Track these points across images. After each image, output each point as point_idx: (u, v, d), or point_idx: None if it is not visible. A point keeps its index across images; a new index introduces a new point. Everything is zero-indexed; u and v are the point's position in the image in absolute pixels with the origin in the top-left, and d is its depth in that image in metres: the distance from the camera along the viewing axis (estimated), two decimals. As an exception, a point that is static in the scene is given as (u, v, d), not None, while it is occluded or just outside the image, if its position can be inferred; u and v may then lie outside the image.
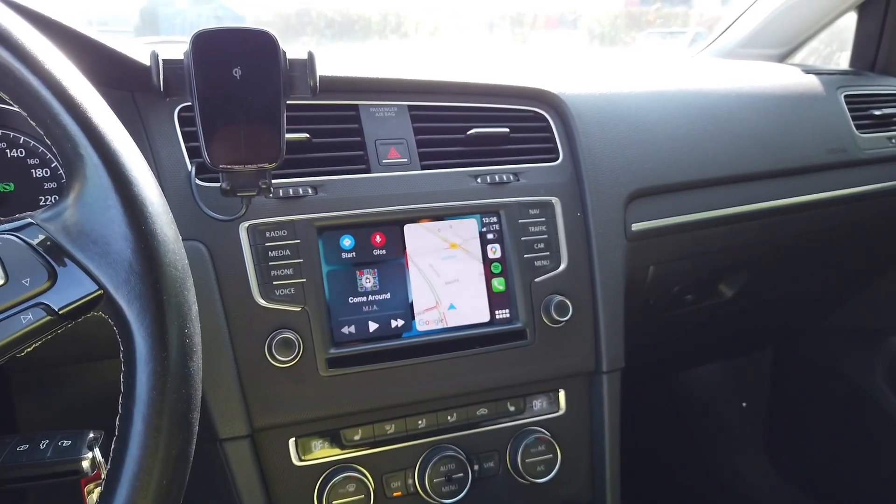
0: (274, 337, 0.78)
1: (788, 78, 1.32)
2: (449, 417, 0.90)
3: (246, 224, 0.79)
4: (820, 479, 1.80)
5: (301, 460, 0.84)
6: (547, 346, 0.91)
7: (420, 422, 0.89)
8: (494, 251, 0.90)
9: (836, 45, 1.78)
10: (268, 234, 0.80)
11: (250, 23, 0.96)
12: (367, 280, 0.84)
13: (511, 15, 2.33)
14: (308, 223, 0.82)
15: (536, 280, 0.91)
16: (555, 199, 0.94)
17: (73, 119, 0.49)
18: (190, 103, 0.67)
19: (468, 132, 0.93)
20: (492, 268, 0.90)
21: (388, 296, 0.85)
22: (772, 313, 1.64)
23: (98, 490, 0.67)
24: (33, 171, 0.79)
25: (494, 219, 0.91)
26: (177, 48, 0.68)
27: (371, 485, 0.85)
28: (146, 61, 0.76)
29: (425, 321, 0.86)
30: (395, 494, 0.88)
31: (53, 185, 0.79)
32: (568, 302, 0.90)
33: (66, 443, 0.62)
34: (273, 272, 0.80)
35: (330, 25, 2.09)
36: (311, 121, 0.87)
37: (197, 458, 0.51)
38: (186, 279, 0.52)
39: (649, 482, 1.94)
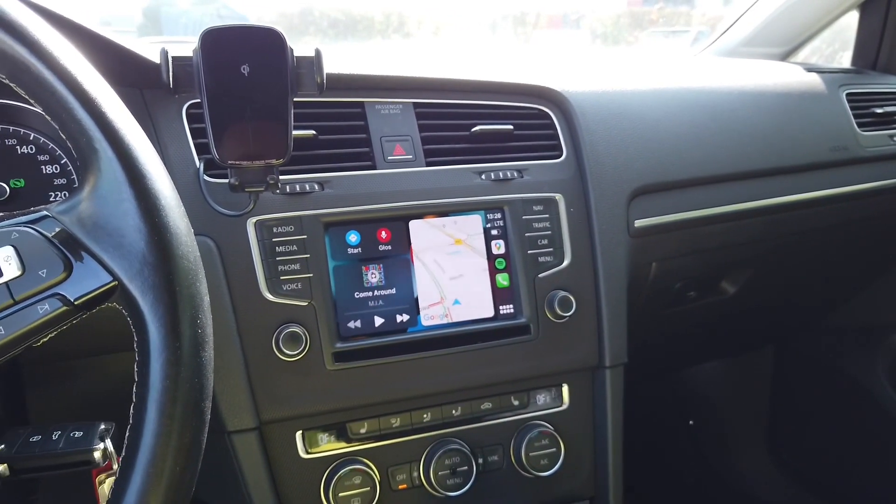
0: (281, 331, 0.79)
1: (790, 76, 1.32)
2: (454, 411, 0.91)
3: (253, 219, 0.80)
4: (821, 476, 1.80)
5: (308, 453, 0.85)
6: (550, 341, 0.92)
7: (425, 415, 0.90)
8: (499, 247, 0.91)
9: (839, 45, 1.78)
10: (275, 230, 0.81)
11: (254, 22, 0.97)
12: (373, 275, 0.85)
13: (514, 14, 2.33)
14: (314, 219, 0.83)
15: (540, 276, 0.92)
16: (558, 196, 0.95)
17: (88, 114, 0.50)
18: (198, 100, 0.68)
19: (472, 129, 0.94)
20: (496, 263, 0.91)
21: (393, 291, 0.86)
22: (774, 310, 1.64)
23: (109, 480, 0.68)
24: (43, 167, 0.80)
25: (499, 215, 0.91)
26: (183, 48, 0.69)
27: (377, 477, 0.86)
28: (155, 59, 0.77)
29: (430, 316, 0.87)
30: (400, 487, 0.89)
31: (63, 181, 0.80)
32: (571, 297, 0.91)
33: (78, 434, 0.63)
34: (280, 267, 0.80)
35: (333, 25, 2.09)
36: (318, 118, 0.87)
37: (206, 450, 0.52)
38: (199, 271, 0.53)
39: (651, 477, 1.95)
